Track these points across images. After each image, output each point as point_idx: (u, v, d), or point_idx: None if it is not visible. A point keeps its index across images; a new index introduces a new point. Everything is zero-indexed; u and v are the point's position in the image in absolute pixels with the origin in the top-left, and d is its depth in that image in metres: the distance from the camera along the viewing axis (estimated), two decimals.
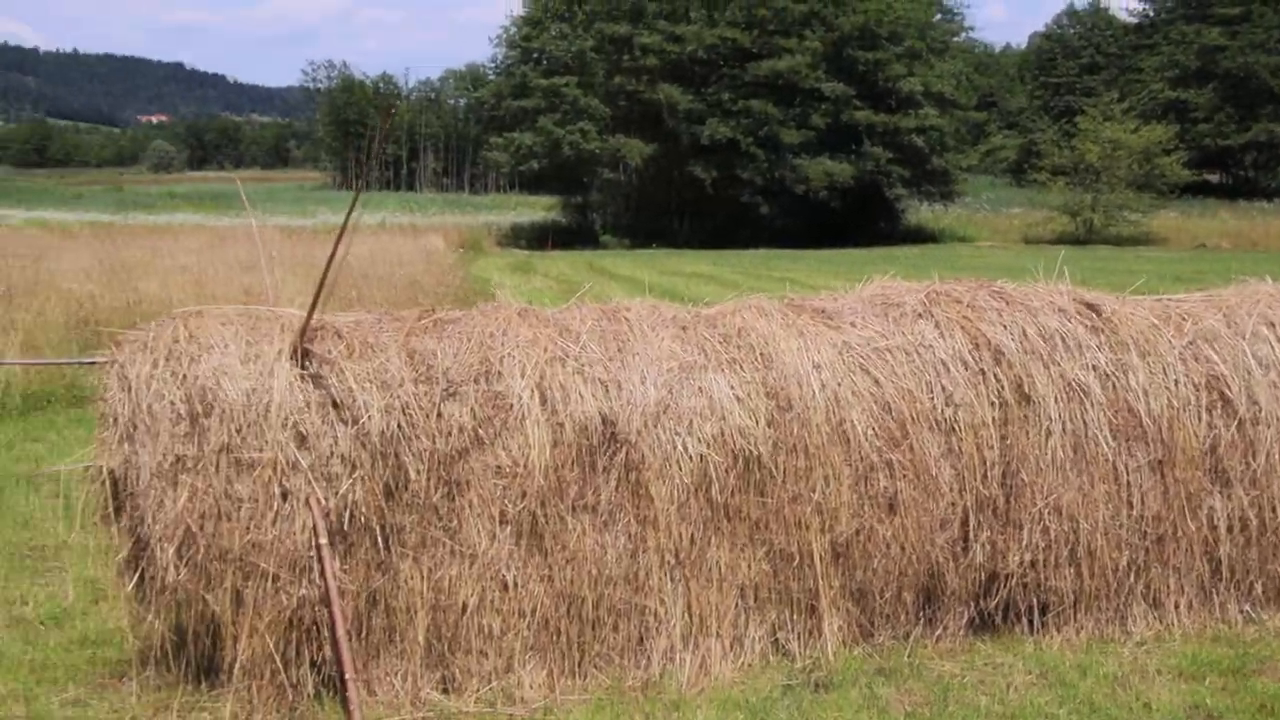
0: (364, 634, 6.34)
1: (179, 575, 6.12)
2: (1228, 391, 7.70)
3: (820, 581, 6.96)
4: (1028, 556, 7.29)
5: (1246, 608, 7.73)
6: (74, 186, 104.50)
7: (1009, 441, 7.23)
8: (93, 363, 6.64)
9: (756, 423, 6.83)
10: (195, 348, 6.28)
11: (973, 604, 7.34)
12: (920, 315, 7.39)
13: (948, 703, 6.44)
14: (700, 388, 6.81)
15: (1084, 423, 7.36)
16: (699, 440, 6.71)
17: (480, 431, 6.44)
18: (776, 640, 6.96)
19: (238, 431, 6.16)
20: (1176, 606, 7.59)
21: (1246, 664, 6.96)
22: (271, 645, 6.18)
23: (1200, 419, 7.63)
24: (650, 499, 6.64)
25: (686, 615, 6.76)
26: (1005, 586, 7.31)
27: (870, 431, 7.01)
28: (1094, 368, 7.43)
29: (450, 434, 6.39)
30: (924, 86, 57.40)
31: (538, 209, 67.63)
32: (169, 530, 6.11)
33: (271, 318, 6.53)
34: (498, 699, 6.41)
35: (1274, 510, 7.72)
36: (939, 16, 62.22)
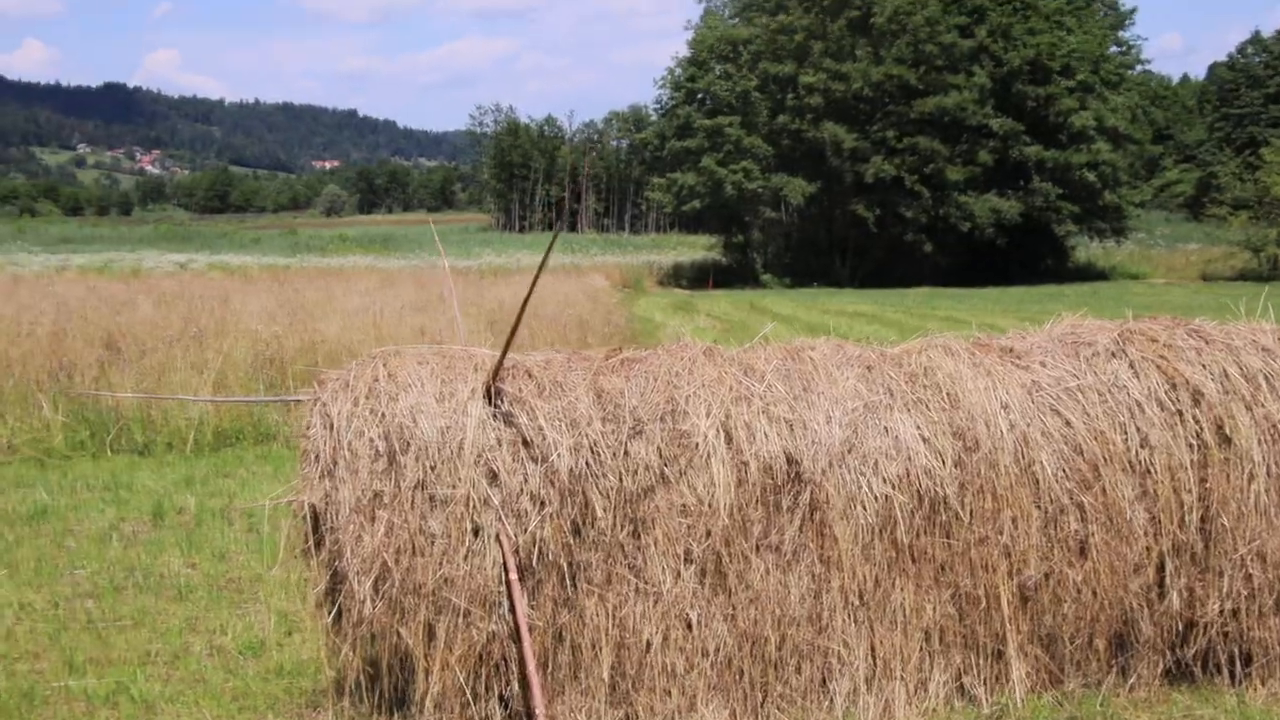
0: (549, 670, 6.36)
1: (374, 609, 6.21)
2: None
3: (1008, 625, 6.82)
4: (1229, 605, 7.07)
5: None
6: (251, 231, 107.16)
7: (1208, 485, 7.03)
8: (297, 400, 6.77)
9: (943, 463, 6.73)
10: (394, 386, 6.38)
11: (1169, 653, 7.12)
12: (1114, 355, 7.23)
13: None
14: (885, 427, 6.74)
15: None
16: (884, 480, 6.64)
17: (665, 470, 6.44)
18: (961, 685, 6.83)
19: (432, 468, 6.24)
20: None
21: None
22: (462, 679, 6.23)
23: None
24: (834, 539, 6.58)
25: (870, 657, 6.67)
26: (1204, 635, 7.09)
27: (1060, 473, 6.87)
28: None
29: (636, 472, 6.40)
30: (1097, 121, 56.35)
31: (697, 248, 67.79)
32: (366, 564, 6.20)
33: (465, 357, 6.60)
34: None
35: None
36: (1114, 49, 61.07)
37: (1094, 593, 6.93)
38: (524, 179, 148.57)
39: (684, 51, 62.39)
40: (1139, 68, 63.97)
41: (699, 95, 60.19)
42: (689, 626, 6.48)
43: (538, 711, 5.89)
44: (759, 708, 6.58)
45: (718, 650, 6.50)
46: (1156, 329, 7.43)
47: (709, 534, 6.47)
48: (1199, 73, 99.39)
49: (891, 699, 6.66)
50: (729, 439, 6.54)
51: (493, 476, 6.30)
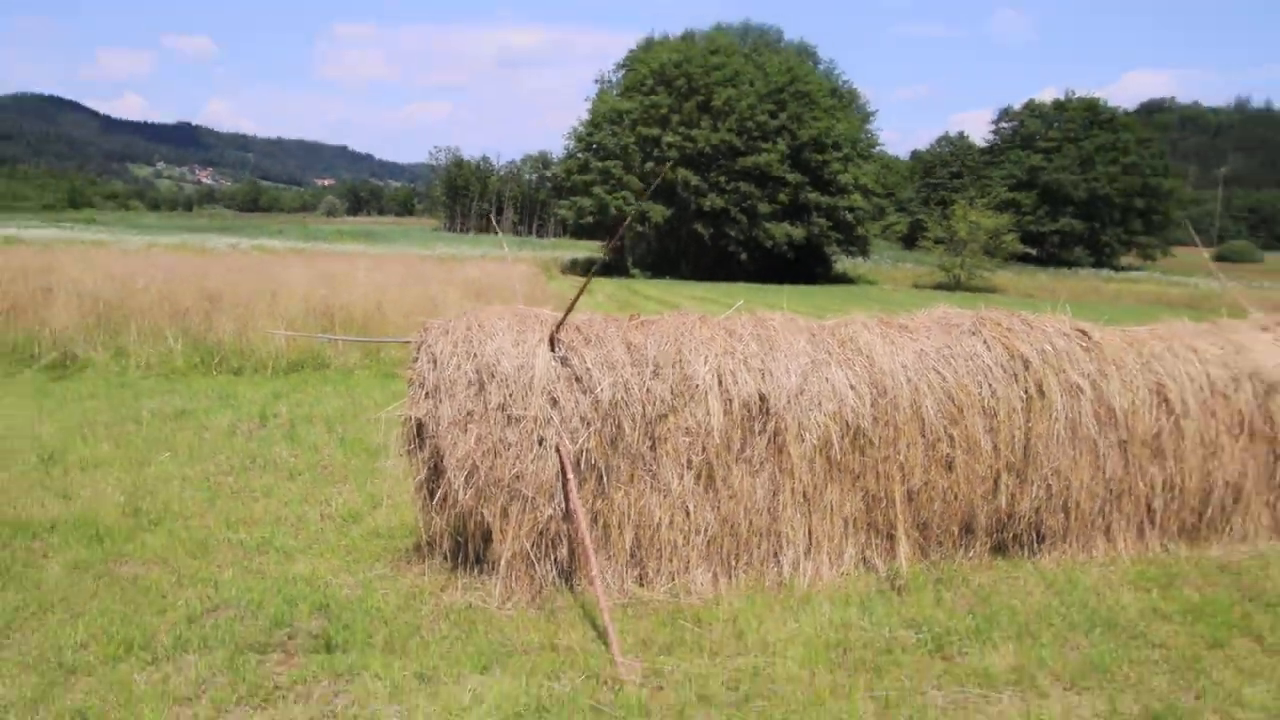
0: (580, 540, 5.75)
1: (465, 496, 5.53)
2: (1169, 395, 7.13)
3: (898, 516, 6.37)
4: (1035, 504, 6.71)
5: (1166, 542, 7.15)
6: (276, 224, 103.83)
7: (1030, 424, 6.65)
8: (406, 341, 6.03)
9: (863, 404, 6.24)
10: (482, 334, 5.69)
11: (994, 535, 6.75)
12: (973, 333, 6.80)
13: (990, 604, 5.86)
14: (826, 378, 6.22)
15: (1078, 413, 6.78)
16: (824, 414, 6.12)
17: (675, 402, 5.85)
18: (864, 557, 6.36)
19: (510, 395, 5.57)
20: (1125, 541, 7.01)
21: (1173, 580, 6.48)
22: (528, 547, 5.60)
23: (1150, 414, 7.07)
24: (789, 455, 6.06)
25: (807, 537, 6.17)
26: (1017, 524, 6.73)
27: (938, 413, 6.42)
28: (1086, 375, 6.85)
29: (654, 403, 5.80)
30: (854, 179, 56.63)
31: (585, 249, 66.69)
32: (461, 463, 5.53)
33: (532, 316, 5.93)
34: (679, 591, 5.82)
35: (1188, 477, 7.17)
36: (864, 134, 61.48)
37: (955, 495, 6.51)
38: (465, 196, 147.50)
39: (585, 116, 61.45)
40: (877, 148, 64.29)
41: (594, 145, 59.08)
42: (687, 513, 5.91)
43: (593, 572, 5.28)
44: (730, 571, 6.04)
45: (706, 530, 5.95)
46: (1000, 316, 7.03)
47: (704, 449, 5.90)
48: (903, 154, 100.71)
49: (820, 566, 6.17)
50: (720, 381, 5.97)
51: (554, 402, 5.65)
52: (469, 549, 5.74)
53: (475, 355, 5.61)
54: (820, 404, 6.15)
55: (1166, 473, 7.17)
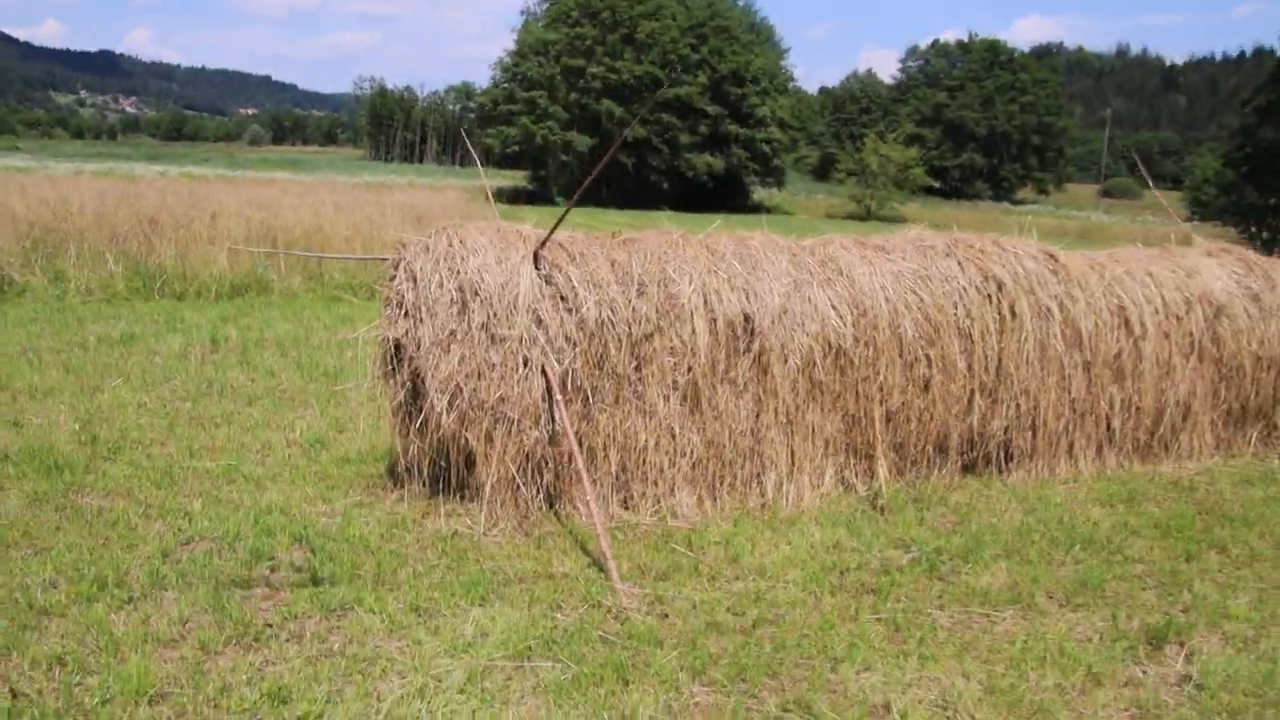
0: (572, 465, 5.34)
1: (448, 420, 5.07)
2: (1129, 318, 6.95)
3: (877, 437, 6.09)
4: (1005, 423, 6.50)
5: (1121, 460, 7.04)
6: (200, 153, 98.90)
7: (1002, 345, 6.40)
8: (383, 259, 5.48)
9: (844, 324, 5.90)
10: (464, 250, 5.18)
11: (965, 454, 6.53)
12: (947, 255, 6.49)
13: (971, 523, 5.65)
14: (809, 298, 5.86)
15: (1047, 334, 6.56)
16: (806, 335, 5.77)
17: (660, 322, 5.43)
18: (843, 478, 6.08)
19: (494, 314, 5.09)
20: (1085, 459, 6.87)
21: (1134, 496, 6.36)
22: (514, 472, 5.18)
23: (1113, 335, 6.88)
24: (772, 375, 5.71)
25: (790, 459, 5.86)
26: (987, 443, 6.51)
27: (916, 334, 6.12)
28: (1054, 297, 6.61)
29: (640, 323, 5.38)
30: (771, 112, 56.04)
31: (510, 179, 65.08)
32: (443, 385, 5.06)
33: (514, 232, 5.43)
34: (665, 514, 5.47)
35: (1144, 396, 7.04)
36: (780, 69, 60.69)
37: (931, 416, 6.26)
38: (389, 125, 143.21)
39: (510, 47, 59.66)
40: (792, 83, 63.62)
41: (520, 76, 57.34)
42: (673, 436, 5.54)
43: (588, 496, 4.89)
44: (714, 494, 5.70)
45: (691, 453, 5.59)
46: (972, 239, 6.72)
47: (689, 370, 5.51)
48: (815, 89, 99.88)
49: (801, 487, 5.87)
50: (705, 301, 5.56)
51: (539, 321, 5.19)
52: (452, 475, 5.29)
53: (457, 273, 5.11)
54: (803, 324, 5.79)
55: (1125, 393, 7.02)
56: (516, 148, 58.20)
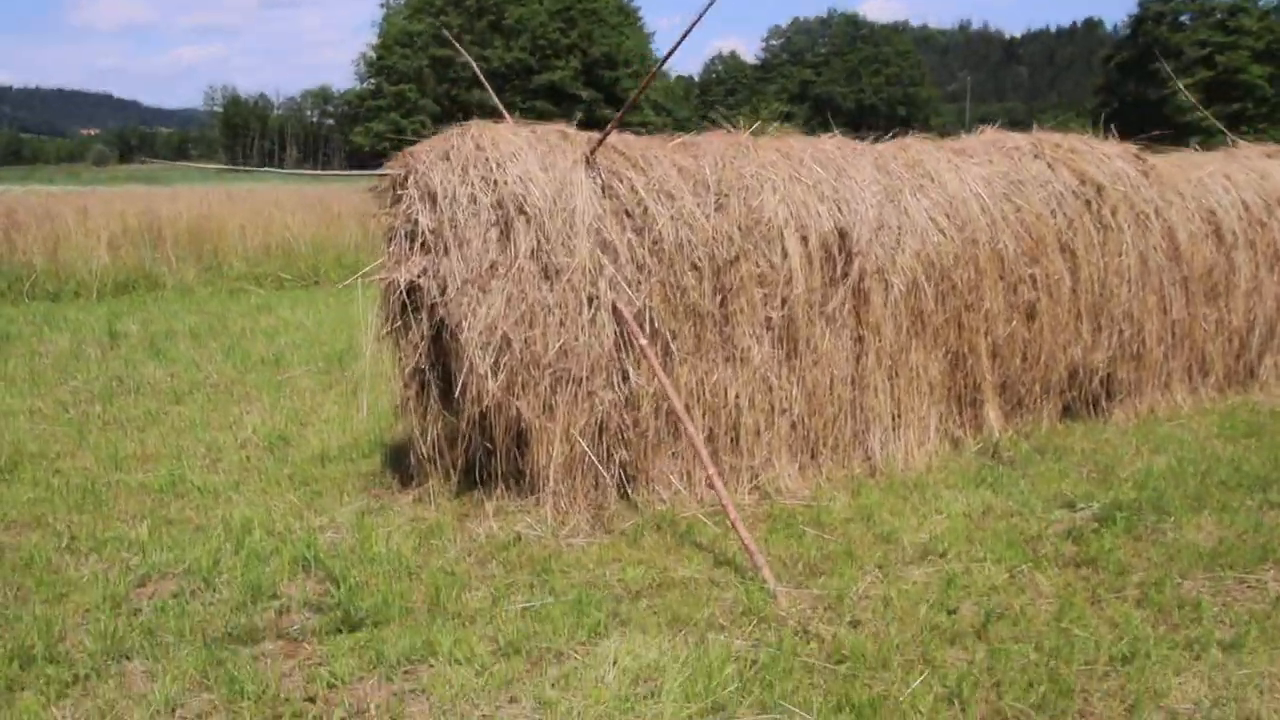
0: (643, 434, 4.04)
1: (493, 384, 3.70)
2: (1220, 226, 6.04)
3: (985, 376, 4.98)
4: (1108, 354, 5.48)
5: (1210, 390, 6.13)
6: (44, 174, 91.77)
7: (1105, 260, 5.36)
8: (385, 174, 4.04)
9: (946, 240, 4.76)
10: (499, 154, 3.81)
11: (1066, 393, 5.49)
12: (1035, 156, 5.41)
13: (1115, 470, 4.62)
14: (904, 209, 4.69)
15: (1147, 246, 5.56)
16: (906, 253, 4.61)
17: (745, 244, 4.17)
18: (946, 430, 4.95)
19: (545, 238, 3.75)
20: (1181, 391, 5.94)
21: (1254, 429, 5.45)
22: (585, 448, 3.85)
23: (1208, 246, 5.96)
24: (872, 306, 4.52)
25: (894, 409, 4.69)
26: (1091, 378, 5.49)
27: (1017, 249, 5.03)
28: (1150, 203, 5.62)
29: (723, 244, 4.11)
30: (645, 95, 55.12)
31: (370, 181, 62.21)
32: (485, 337, 3.68)
33: (555, 133, 4.09)
34: (769, 489, 4.23)
35: (1234, 316, 6.16)
36: (650, 51, 59.79)
37: (1039, 348, 5.18)
38: (245, 135, 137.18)
39: (373, 41, 57.05)
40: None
41: (386, 70, 54.86)
42: (769, 389, 4.29)
43: (711, 472, 3.60)
44: (817, 457, 4.49)
45: (791, 409, 4.36)
46: (1058, 137, 5.67)
47: (783, 302, 4.27)
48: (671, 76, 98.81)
49: (909, 445, 4.71)
50: (793, 215, 4.33)
51: (604, 245, 3.87)
52: (498, 459, 3.92)
53: (494, 184, 3.74)
54: (900, 241, 4.62)
55: (1219, 312, 6.11)
56: (386, 144, 55.81)
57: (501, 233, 3.71)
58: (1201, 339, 6.06)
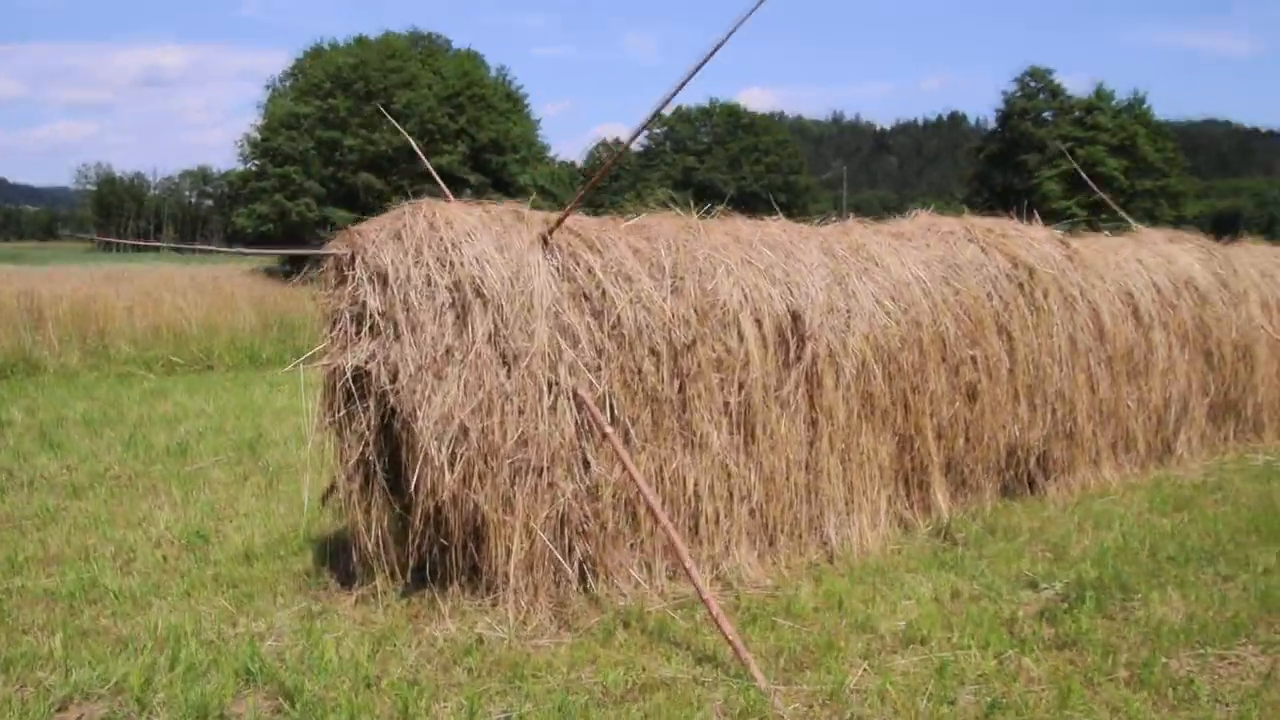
0: (603, 525, 3.86)
1: (450, 476, 3.48)
2: (1138, 306, 6.28)
3: (931, 457, 4.97)
4: (1042, 432, 5.56)
5: (1133, 465, 6.29)
6: None
7: (1038, 340, 5.47)
8: (327, 254, 3.82)
9: (892, 322, 4.77)
10: (453, 234, 3.64)
11: (1004, 473, 5.53)
12: (969, 240, 5.52)
13: (1066, 548, 4.65)
14: (852, 291, 4.69)
15: (1075, 326, 5.70)
16: (856, 336, 4.59)
17: (701, 328, 4.09)
18: (895, 513, 4.90)
19: (503, 322, 3.58)
20: (1109, 467, 6.09)
21: (1182, 502, 5.60)
22: (547, 543, 3.64)
23: (1128, 326, 6.16)
24: (824, 389, 4.47)
25: (847, 493, 4.62)
26: (1028, 457, 5.56)
27: (958, 331, 5.08)
28: (1077, 286, 5.79)
29: (680, 327, 4.01)
30: (531, 180, 55.40)
31: (267, 261, 60.96)
32: (440, 426, 3.47)
33: (508, 212, 3.95)
34: (730, 579, 4.09)
35: (1155, 393, 6.36)
36: (537, 137, 60.37)
37: (980, 428, 5.21)
38: (119, 214, 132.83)
39: (257, 122, 56.04)
40: (549, 152, 63.53)
41: (270, 151, 53.81)
42: (728, 475, 4.17)
43: (680, 552, 3.43)
44: (769, 546, 4.37)
45: (750, 496, 4.24)
46: (989, 223, 5.80)
47: (741, 387, 4.18)
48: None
49: (862, 528, 4.64)
50: (746, 297, 4.27)
51: (563, 329, 3.73)
52: (454, 556, 3.67)
53: (450, 265, 3.56)
54: (850, 324, 4.60)
55: (1139, 390, 6.30)
56: (271, 226, 54.61)
57: (457, 316, 3.53)
58: (1125, 416, 6.22)
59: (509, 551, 3.57)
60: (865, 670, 3.23)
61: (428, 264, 3.53)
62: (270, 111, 54.83)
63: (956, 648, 3.44)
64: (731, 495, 4.19)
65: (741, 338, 4.19)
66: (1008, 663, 3.33)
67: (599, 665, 3.22)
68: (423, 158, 4.69)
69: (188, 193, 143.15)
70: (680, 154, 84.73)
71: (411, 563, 3.72)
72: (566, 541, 3.71)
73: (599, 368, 3.77)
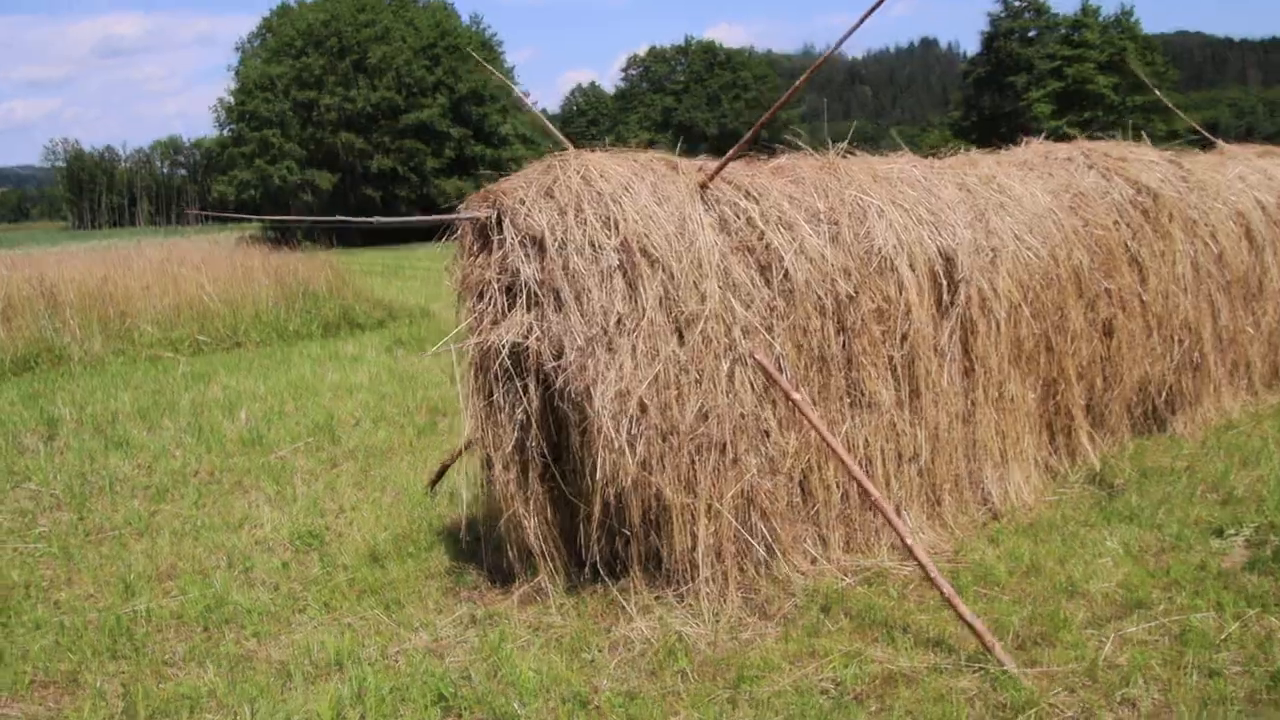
0: (784, 500, 3.54)
1: (631, 459, 3.14)
2: (1250, 227, 5.96)
3: (1075, 401, 4.67)
4: (1171, 364, 5.27)
5: (1249, 395, 6.00)
6: None
7: (1165, 269, 5.15)
8: (468, 218, 3.43)
9: (1034, 258, 4.43)
10: (610, 189, 3.26)
11: (1135, 409, 5.24)
12: (1090, 165, 5.16)
13: (1232, 487, 4.38)
14: (993, 229, 4.34)
15: (1196, 252, 5.39)
16: (1003, 275, 4.26)
17: (861, 276, 3.74)
18: (1041, 460, 4.61)
19: (672, 283, 3.23)
20: (1229, 396, 5.79)
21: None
22: (735, 523, 3.32)
23: (1243, 248, 5.84)
24: (976, 335, 4.15)
25: (1001, 444, 4.32)
26: (1157, 391, 5.27)
27: (1091, 264, 4.75)
28: (1194, 207, 5.46)
29: (842, 278, 3.67)
30: (513, 129, 54.43)
31: (250, 228, 60.05)
32: (617, 406, 3.12)
33: (656, 159, 3.58)
34: (906, 551, 3.78)
35: (1267, 316, 6.06)
36: (515, 84, 59.25)
37: (1118, 366, 4.91)
38: (91, 190, 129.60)
39: (233, 86, 54.59)
40: (528, 98, 62.40)
41: (247, 115, 52.51)
42: (897, 435, 3.85)
43: (895, 524, 3.12)
44: (932, 504, 4.06)
45: (918, 456, 3.93)
46: (1106, 146, 5.44)
47: (904, 338, 3.85)
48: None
49: (1016, 481, 4.35)
50: (899, 240, 3.92)
51: (733, 287, 3.38)
52: (635, 548, 3.35)
53: (615, 223, 3.19)
54: (995, 263, 4.26)
55: (1255, 314, 6.01)
56: (254, 192, 53.43)
57: (629, 280, 3.17)
58: (1244, 343, 5.93)
59: (695, 537, 3.25)
60: (1101, 642, 2.95)
61: (589, 223, 3.16)
62: (243, 74, 53.45)
63: (1186, 610, 3.16)
64: (900, 456, 3.88)
65: (901, 286, 3.85)
66: (1250, 623, 3.06)
67: (821, 660, 2.93)
68: (529, 106, 4.25)
69: (160, 163, 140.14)
70: (658, 94, 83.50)
71: (590, 557, 3.39)
72: (753, 522, 3.40)
73: (770, 327, 3.43)
